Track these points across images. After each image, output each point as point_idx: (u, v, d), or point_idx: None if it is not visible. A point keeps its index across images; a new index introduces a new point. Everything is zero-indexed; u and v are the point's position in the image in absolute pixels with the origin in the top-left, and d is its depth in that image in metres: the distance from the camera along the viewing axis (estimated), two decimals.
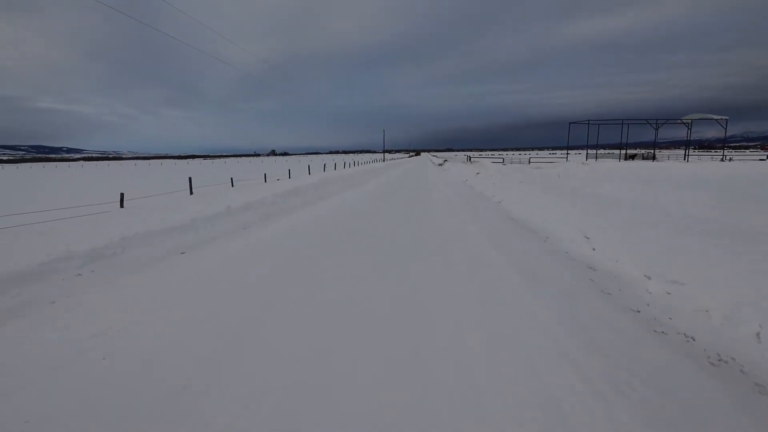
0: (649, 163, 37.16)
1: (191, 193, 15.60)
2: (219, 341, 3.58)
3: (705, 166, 31.92)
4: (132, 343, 3.58)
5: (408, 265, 5.95)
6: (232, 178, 20.58)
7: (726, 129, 43.40)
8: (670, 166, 32.77)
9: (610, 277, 5.37)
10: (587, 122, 46.89)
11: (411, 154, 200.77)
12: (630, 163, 37.87)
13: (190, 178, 16.20)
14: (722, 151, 50.94)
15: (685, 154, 47.06)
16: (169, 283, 5.22)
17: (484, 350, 3.38)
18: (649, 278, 5.22)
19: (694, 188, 16.72)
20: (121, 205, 11.45)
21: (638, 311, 4.17)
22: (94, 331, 3.80)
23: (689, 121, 45.11)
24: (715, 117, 43.85)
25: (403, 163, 61.66)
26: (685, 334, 3.61)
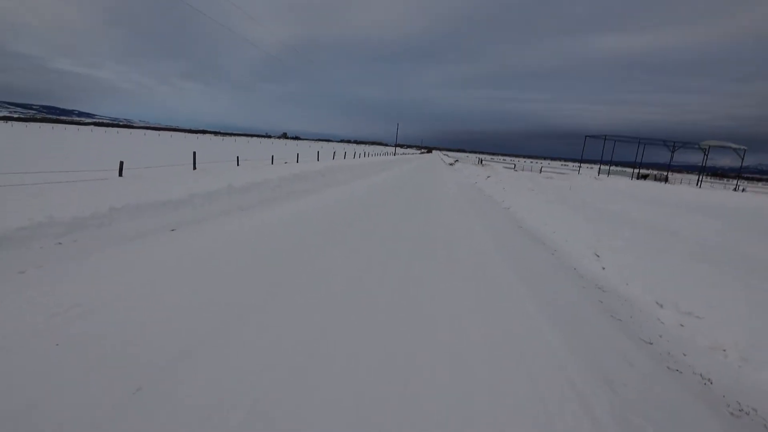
0: (662, 185, 36.65)
1: (194, 168, 15.32)
2: (189, 335, 3.24)
3: (719, 194, 31.37)
4: (93, 328, 3.22)
5: (410, 264, 5.65)
6: (238, 157, 20.29)
7: (743, 159, 42.77)
8: (683, 190, 32.27)
9: (620, 300, 5.05)
10: (604, 137, 46.38)
11: (423, 150, 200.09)
12: (642, 182, 37.39)
13: (194, 153, 15.91)
14: (736, 180, 50.23)
15: (698, 180, 46.46)
16: (150, 262, 4.87)
17: (486, 370, 3.07)
18: (662, 306, 4.90)
19: (707, 215, 16.34)
20: (120, 174, 11.21)
21: (651, 343, 3.84)
22: (55, 309, 3.44)
23: (706, 147, 44.49)
24: (734, 146, 43.22)
25: (414, 159, 61.16)
26: (701, 375, 3.29)
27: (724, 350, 3.80)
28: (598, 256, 6.88)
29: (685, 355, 3.64)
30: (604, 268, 6.38)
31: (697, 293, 4.91)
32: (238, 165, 18.69)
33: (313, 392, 2.65)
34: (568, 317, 4.26)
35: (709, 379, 3.24)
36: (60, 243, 5.13)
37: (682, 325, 4.42)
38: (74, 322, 3.26)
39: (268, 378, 2.75)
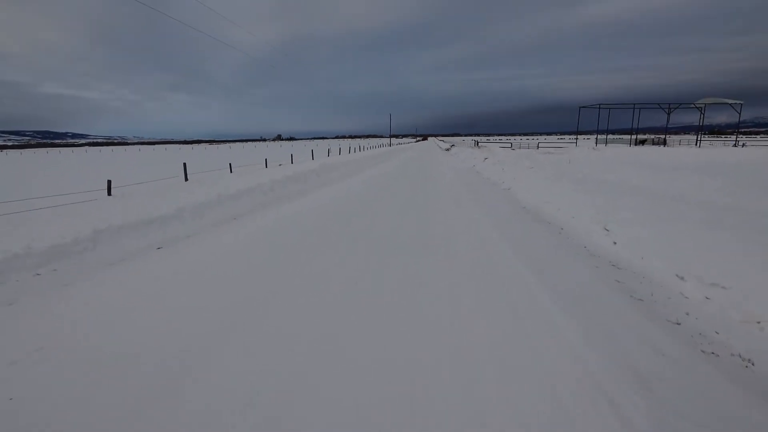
0: (661, 148, 36.14)
1: (186, 179, 15.02)
2: (167, 376, 2.87)
3: (719, 151, 30.88)
4: (52, 377, 2.81)
5: (410, 261, 5.34)
6: (230, 164, 19.95)
7: (740, 114, 42.14)
8: (683, 152, 31.80)
9: (637, 277, 4.73)
10: (598, 106, 45.76)
11: (418, 138, 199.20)
12: (641, 148, 36.87)
13: (184, 164, 15.59)
14: (735, 136, 49.60)
15: (696, 140, 45.90)
16: (131, 289, 4.52)
17: (495, 377, 2.77)
18: (683, 279, 4.58)
19: (711, 175, 15.92)
20: (109, 193, 10.91)
21: (678, 323, 3.53)
22: (17, 354, 3.10)
23: (702, 105, 43.88)
24: (730, 101, 42.58)
25: (409, 148, 60.61)
26: (740, 356, 2.97)
27: (759, 322, 3.49)
28: (607, 230, 6.55)
29: (717, 333, 3.32)
30: (615, 243, 6.05)
31: (718, 261, 4.58)
32: (231, 172, 18.36)
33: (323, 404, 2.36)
34: (585, 304, 3.93)
35: (749, 360, 2.92)
36: (38, 274, 4.83)
37: (708, 298, 4.10)
38: (33, 371, 2.90)
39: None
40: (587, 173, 15.35)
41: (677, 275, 4.68)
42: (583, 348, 3.12)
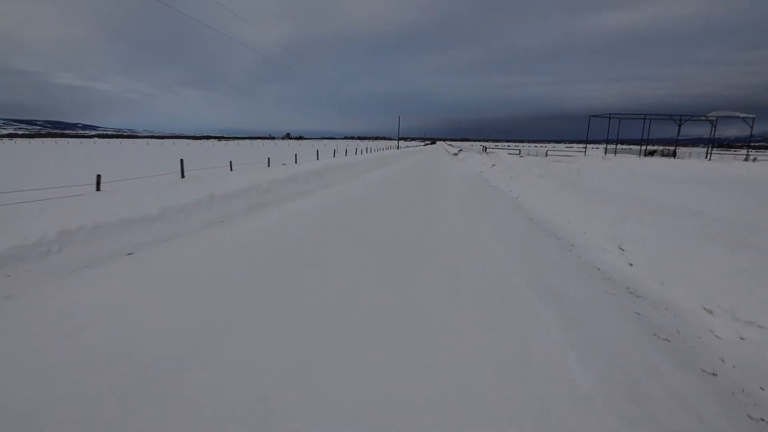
0: (672, 160, 35.39)
1: (183, 176, 14.57)
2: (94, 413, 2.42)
3: (732, 165, 30.09)
4: None
5: (408, 280, 4.82)
6: (231, 162, 19.50)
7: (752, 128, 41.23)
8: (695, 164, 31.03)
9: (659, 308, 4.17)
10: (608, 116, 45.01)
11: (426, 142, 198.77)
12: (651, 159, 36.12)
13: (181, 160, 15.15)
14: (746, 150, 48.64)
15: (707, 152, 45.08)
16: (90, 299, 4.03)
17: None
18: (711, 313, 4.03)
19: (727, 189, 15.27)
20: (98, 188, 10.47)
21: (714, 374, 2.97)
22: None
23: (714, 118, 43.01)
24: (742, 115, 41.68)
25: (417, 151, 60.01)
26: None
27: None
28: (622, 249, 5.99)
29: (763, 389, 2.77)
30: (631, 265, 5.50)
31: (748, 291, 4.02)
32: (231, 170, 17.91)
33: None
34: (604, 347, 3.34)
35: None
36: None
37: (743, 339, 3.55)
38: None
39: None
40: (598, 184, 14.77)
41: (704, 308, 4.12)
42: (604, 409, 2.54)
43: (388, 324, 3.67)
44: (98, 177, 10.70)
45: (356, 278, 4.82)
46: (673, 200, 10.93)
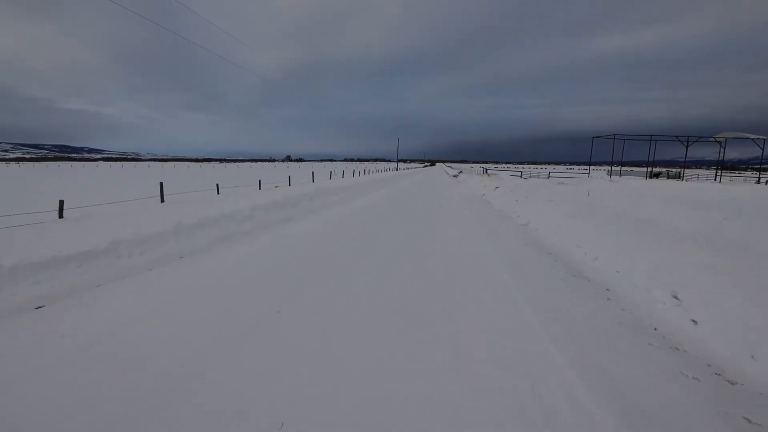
0: (679, 182, 34.15)
1: (162, 200, 13.39)
2: None
3: (747, 188, 28.80)
4: None
5: (395, 337, 3.52)
6: (218, 185, 18.34)
7: (763, 149, 40.11)
8: (707, 187, 29.76)
9: (761, 403, 2.85)
10: (613, 137, 44.03)
11: (426, 164, 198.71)
12: (657, 181, 34.90)
13: (161, 183, 13.98)
14: (751, 171, 47.48)
15: (716, 174, 43.95)
16: None
17: None
18: None
19: (761, 216, 13.94)
20: (60, 215, 9.30)
21: None
22: None
23: (723, 139, 41.99)
24: (752, 136, 40.63)
25: (416, 173, 58.95)
26: None
27: None
28: (677, 299, 4.66)
29: None
30: (696, 323, 4.16)
31: None
32: (218, 193, 16.74)
33: None
34: None
35: None
36: None
37: None
38: None
39: None
40: (616, 209, 13.47)
41: None
42: None
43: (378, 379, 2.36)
44: (61, 203, 9.54)
45: (313, 372, 3.52)
46: (707, 228, 9.60)
